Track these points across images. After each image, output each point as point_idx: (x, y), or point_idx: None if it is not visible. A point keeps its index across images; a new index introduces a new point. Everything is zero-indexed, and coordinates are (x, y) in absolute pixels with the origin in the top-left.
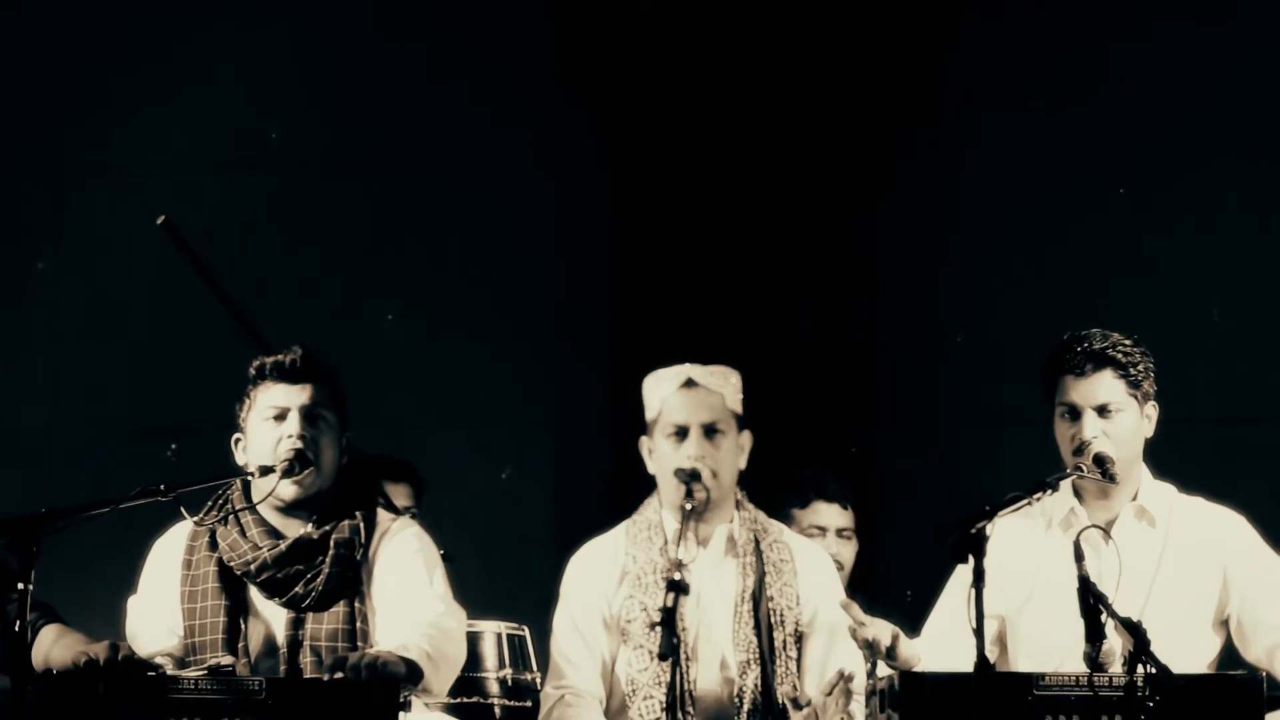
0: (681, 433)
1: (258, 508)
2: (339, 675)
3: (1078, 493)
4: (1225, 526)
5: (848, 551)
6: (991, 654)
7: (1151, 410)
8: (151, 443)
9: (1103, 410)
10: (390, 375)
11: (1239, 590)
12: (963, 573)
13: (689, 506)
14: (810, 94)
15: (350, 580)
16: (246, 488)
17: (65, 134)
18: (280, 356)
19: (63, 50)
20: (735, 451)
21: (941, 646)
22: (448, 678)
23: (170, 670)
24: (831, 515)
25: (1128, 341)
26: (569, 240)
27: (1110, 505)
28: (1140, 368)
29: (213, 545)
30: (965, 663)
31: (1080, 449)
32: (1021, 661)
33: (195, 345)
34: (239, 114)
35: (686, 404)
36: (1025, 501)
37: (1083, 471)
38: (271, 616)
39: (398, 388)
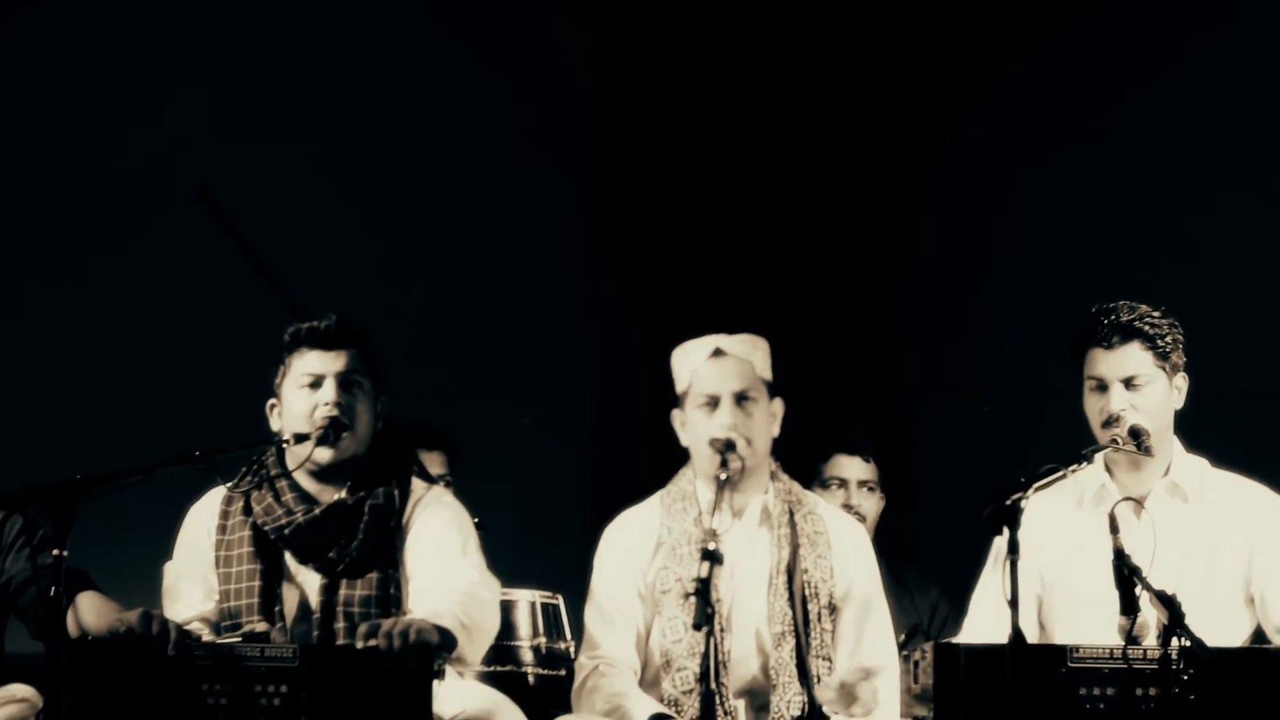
0: (713, 402)
1: (293, 473)
2: (372, 643)
3: (1108, 468)
4: (1257, 502)
5: (870, 504)
6: (1032, 634)
7: (1181, 381)
8: (187, 410)
9: (1130, 382)
10: (425, 345)
11: (1261, 566)
12: (997, 552)
13: (724, 476)
14: (847, 58)
15: (384, 547)
16: (281, 453)
17: (98, 101)
18: (315, 323)
19: (99, 17)
20: (768, 419)
21: (990, 628)
22: (481, 646)
23: (205, 636)
24: (853, 467)
25: (1156, 313)
26: (603, 214)
27: (1142, 480)
28: (1168, 339)
29: (247, 510)
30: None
31: (1109, 422)
32: (1057, 640)
33: (230, 312)
34: (276, 80)
35: (717, 373)
36: (1061, 474)
37: (1118, 444)
38: (306, 581)
39: (432, 357)
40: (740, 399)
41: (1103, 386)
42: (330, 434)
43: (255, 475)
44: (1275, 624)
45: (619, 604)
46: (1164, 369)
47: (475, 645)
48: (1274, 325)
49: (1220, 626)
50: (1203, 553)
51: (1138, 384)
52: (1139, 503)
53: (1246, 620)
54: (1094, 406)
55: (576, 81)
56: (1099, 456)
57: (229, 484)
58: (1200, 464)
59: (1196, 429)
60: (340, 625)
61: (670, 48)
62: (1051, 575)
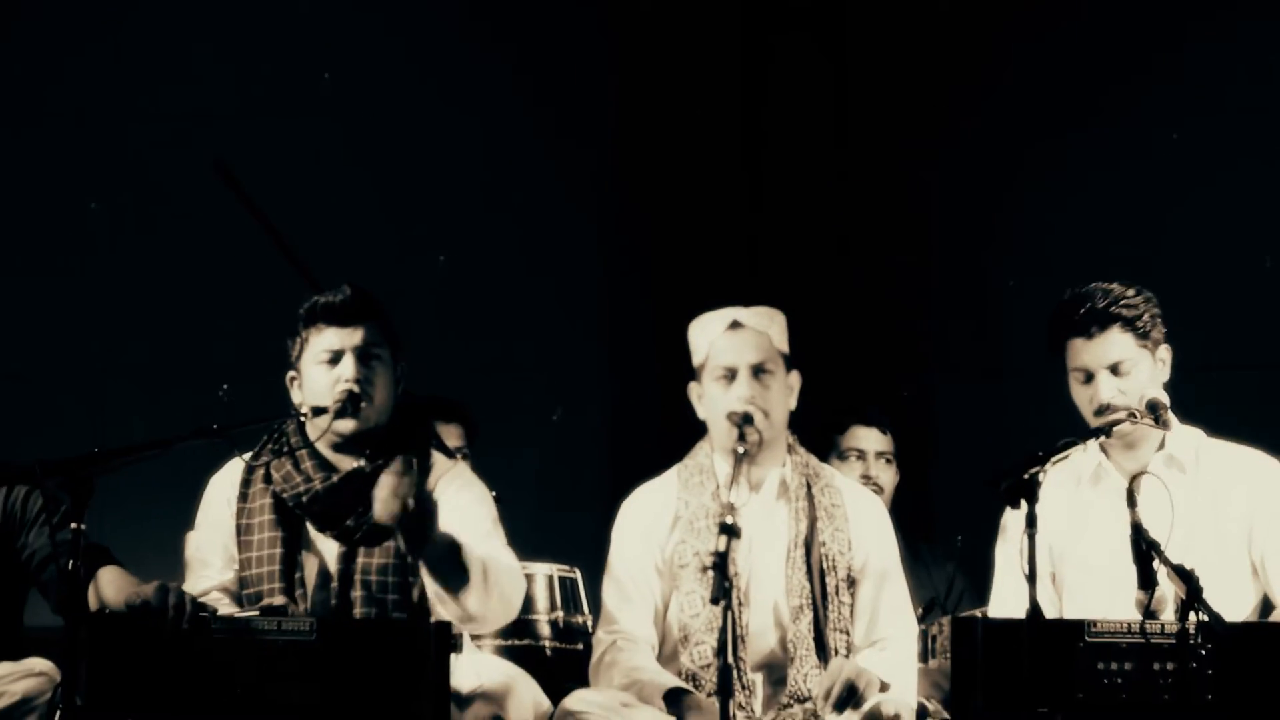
0: (730, 374)
1: (314, 443)
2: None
3: (1103, 448)
4: (1254, 469)
5: (887, 476)
6: (1050, 608)
7: (1165, 354)
8: (205, 383)
9: (1116, 369)
10: (443, 318)
11: (1261, 532)
12: (1010, 531)
13: (741, 449)
14: (863, 36)
15: None
16: (302, 425)
17: (118, 76)
18: (331, 298)
19: None
20: (785, 391)
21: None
22: (496, 608)
23: (226, 605)
24: (871, 439)
25: (1130, 292)
26: (620, 187)
27: (1138, 455)
28: (1146, 317)
29: (268, 479)
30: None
31: (1101, 410)
32: (1069, 614)
33: (248, 286)
34: (292, 56)
35: (734, 345)
36: (1080, 447)
37: (1136, 418)
38: (325, 550)
39: (449, 330)
40: (757, 371)
41: (1089, 376)
42: (349, 407)
43: (276, 445)
44: (1277, 589)
45: (636, 579)
46: (1146, 347)
47: (489, 602)
48: None
49: (1226, 596)
50: (1203, 524)
51: (1124, 369)
52: (1162, 481)
53: (1251, 589)
54: (1083, 396)
55: (591, 58)
56: (1092, 440)
57: (245, 455)
58: (1196, 434)
59: (1199, 399)
60: (358, 594)
61: (686, 24)
62: (1060, 551)
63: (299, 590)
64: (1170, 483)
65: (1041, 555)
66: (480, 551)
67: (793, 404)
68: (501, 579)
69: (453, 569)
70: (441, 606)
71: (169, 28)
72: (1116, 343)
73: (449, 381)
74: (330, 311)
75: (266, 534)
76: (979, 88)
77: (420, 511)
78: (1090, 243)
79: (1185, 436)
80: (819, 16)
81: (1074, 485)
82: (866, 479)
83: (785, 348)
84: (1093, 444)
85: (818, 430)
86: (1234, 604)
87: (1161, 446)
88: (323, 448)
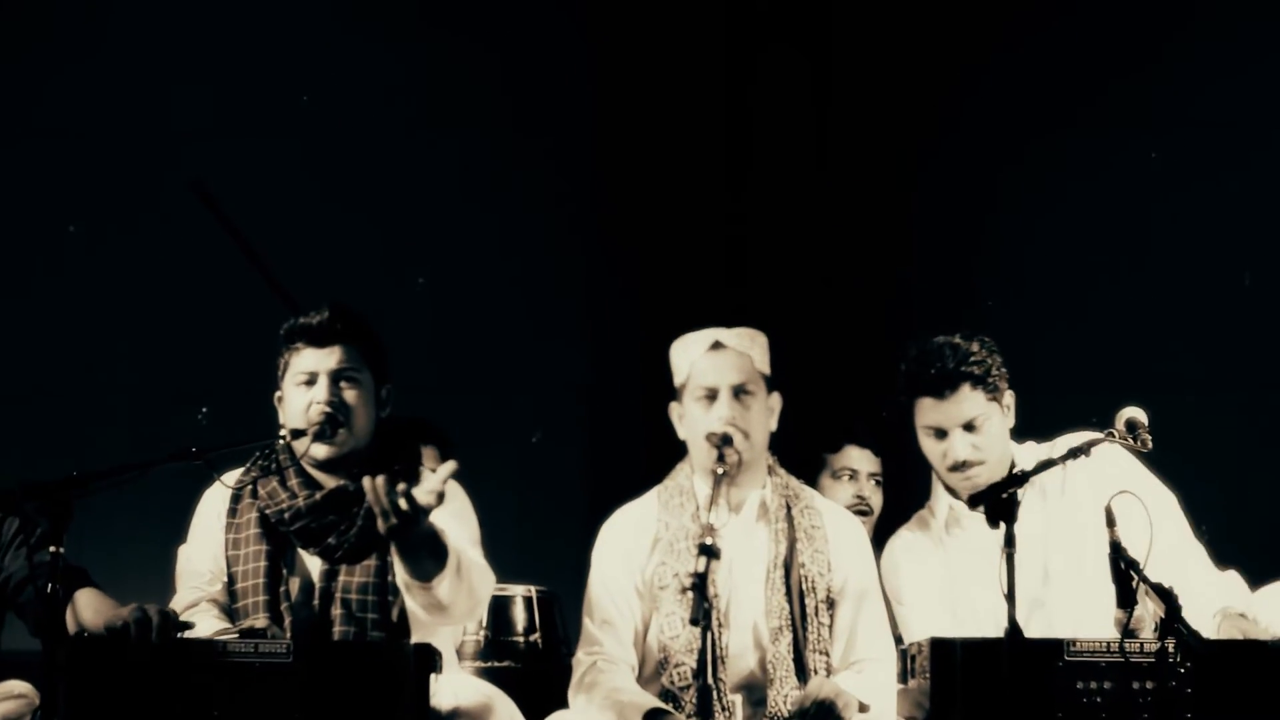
0: (711, 395)
1: (301, 461)
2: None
3: (949, 489)
4: (1103, 466)
5: (878, 498)
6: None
7: (1010, 400)
8: (185, 406)
9: (970, 426)
10: (421, 339)
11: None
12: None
13: (721, 470)
14: (846, 54)
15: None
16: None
17: (97, 96)
18: (309, 319)
19: (95, 12)
20: (765, 413)
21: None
22: (464, 602)
23: (216, 615)
24: (864, 460)
25: (975, 348)
26: (602, 205)
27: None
28: (994, 373)
29: (256, 495)
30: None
31: (956, 467)
32: None
33: (227, 308)
34: (270, 77)
35: (715, 366)
36: (1057, 465)
37: (1114, 436)
38: (312, 567)
39: (429, 351)
40: (738, 392)
41: (942, 433)
42: (325, 430)
43: (266, 462)
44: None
45: (616, 600)
46: (995, 399)
47: (460, 594)
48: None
49: (1095, 606)
50: (1064, 539)
51: (977, 425)
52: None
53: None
54: (935, 452)
55: (572, 71)
56: (935, 486)
57: (221, 477)
58: (1032, 449)
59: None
60: (337, 612)
61: (669, 40)
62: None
63: (284, 604)
64: (1031, 505)
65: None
66: (456, 544)
67: (773, 425)
68: (473, 573)
69: (429, 553)
70: (410, 596)
71: (148, 49)
72: (967, 401)
73: (427, 403)
74: (307, 332)
75: (252, 549)
76: (961, 107)
77: (412, 509)
78: (1070, 262)
79: (1030, 460)
80: (801, 33)
81: (943, 532)
82: (859, 499)
83: (767, 369)
84: (940, 491)
85: (808, 448)
86: (1103, 613)
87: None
88: (309, 467)
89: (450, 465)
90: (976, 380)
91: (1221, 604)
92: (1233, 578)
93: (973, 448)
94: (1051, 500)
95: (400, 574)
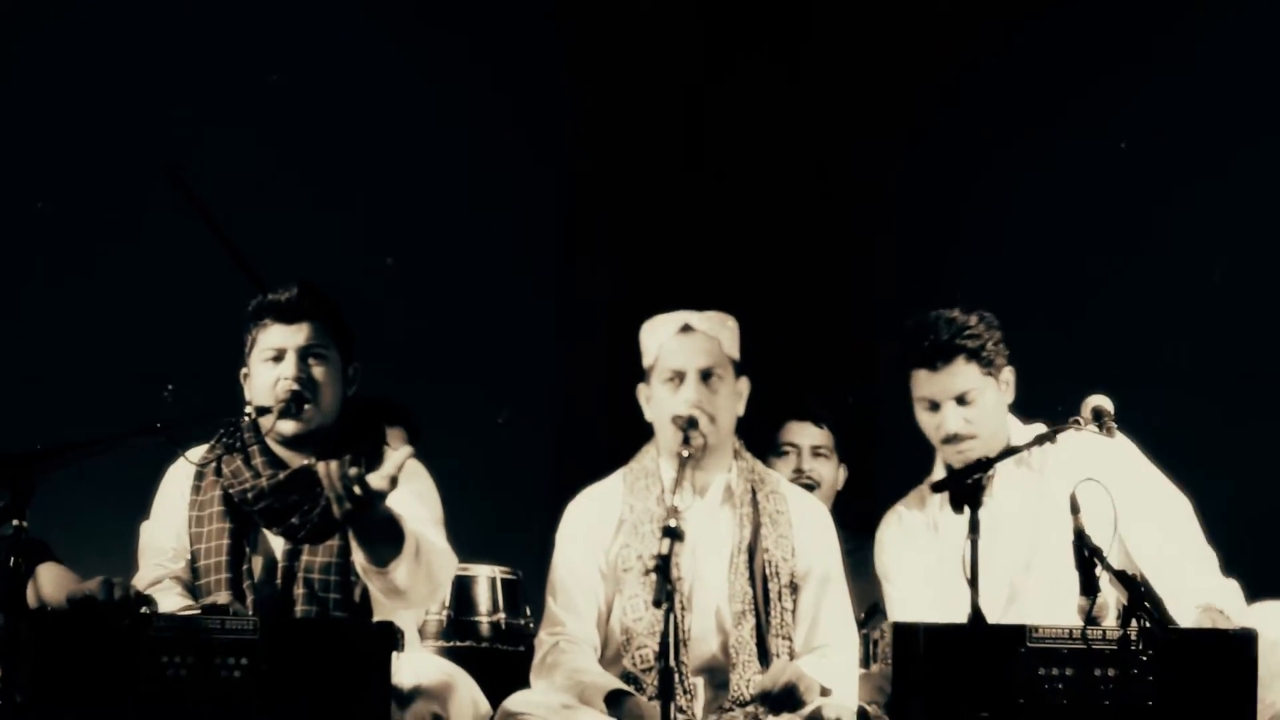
0: (678, 378)
1: (266, 439)
2: (320, 466)
3: (947, 466)
4: (1096, 452)
5: (823, 468)
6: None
7: (1009, 376)
8: (150, 383)
9: (962, 399)
10: (388, 321)
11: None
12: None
13: (686, 453)
14: (818, 40)
15: None
16: (255, 421)
17: (67, 73)
18: (277, 295)
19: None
20: (733, 397)
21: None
22: (423, 587)
23: (178, 593)
24: (805, 433)
25: (973, 321)
26: (569, 188)
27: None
28: (990, 347)
29: (219, 473)
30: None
31: (949, 439)
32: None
33: (194, 286)
34: (239, 57)
35: (683, 349)
36: (1023, 450)
37: (1080, 424)
38: (275, 546)
39: (396, 332)
40: (706, 376)
41: (935, 405)
42: (291, 407)
43: (230, 440)
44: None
45: (580, 581)
46: (991, 374)
47: (417, 576)
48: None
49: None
50: (1054, 518)
51: (969, 399)
52: (1101, 483)
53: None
54: (929, 424)
55: (544, 55)
56: (938, 461)
57: (193, 453)
58: (1039, 430)
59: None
60: (300, 591)
61: (644, 29)
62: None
63: (247, 583)
64: (1021, 482)
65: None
66: (415, 528)
67: (741, 410)
68: (432, 558)
69: (385, 538)
70: (368, 580)
71: (115, 32)
72: (961, 374)
73: (394, 383)
74: (275, 309)
75: (215, 526)
76: (935, 94)
77: (366, 494)
78: (1040, 251)
79: (1026, 437)
80: (778, 16)
81: (938, 509)
82: (799, 473)
83: (735, 354)
84: (937, 466)
85: (758, 431)
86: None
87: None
88: (274, 444)
89: (406, 450)
90: (971, 354)
91: (1206, 600)
92: (1230, 586)
93: (965, 421)
94: (1052, 489)
95: (357, 559)
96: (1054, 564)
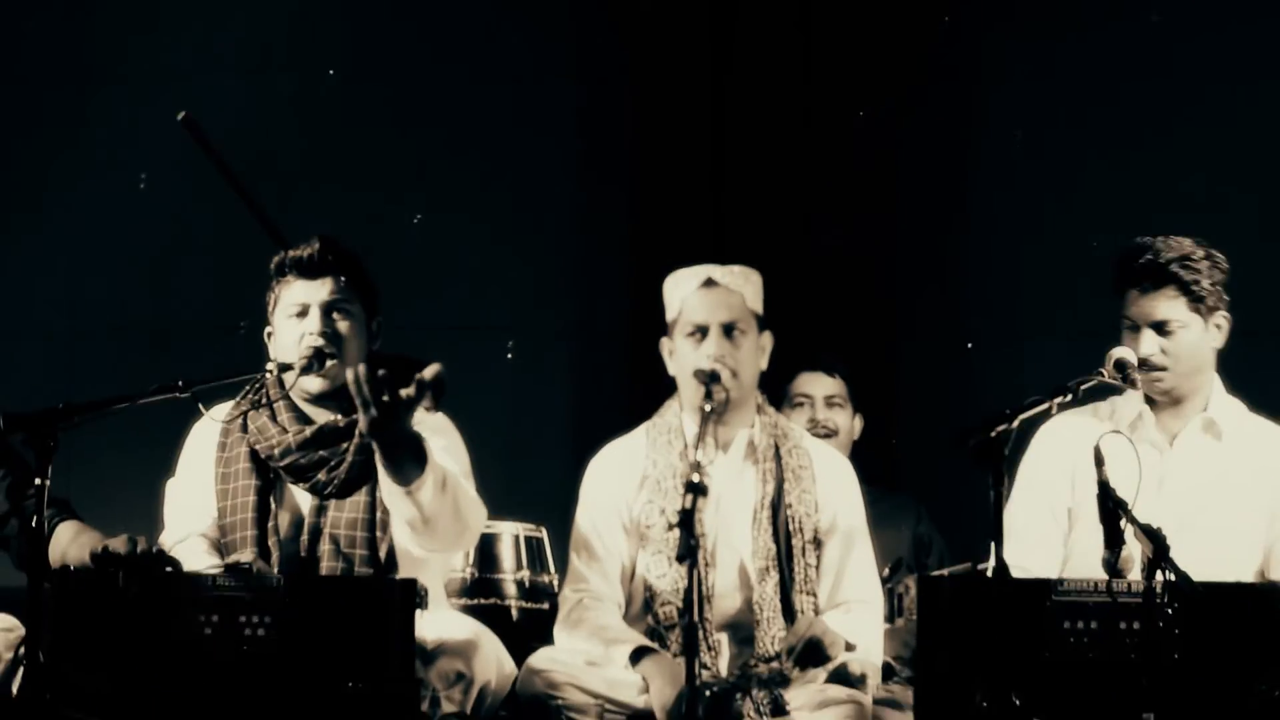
0: (701, 332)
1: (291, 395)
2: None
3: (1149, 399)
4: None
5: (838, 417)
6: (1056, 562)
7: (1221, 320)
8: (173, 343)
9: (1162, 327)
10: (412, 277)
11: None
12: (1027, 473)
13: (708, 408)
14: (830, 5)
15: (373, 469)
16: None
17: (83, 35)
18: (299, 251)
19: None
20: (755, 352)
21: (1034, 553)
22: (450, 524)
23: (206, 550)
24: (817, 384)
25: (1197, 253)
26: (589, 145)
27: (1180, 413)
28: (1205, 283)
29: (246, 429)
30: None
31: (1141, 364)
32: (1074, 561)
33: (216, 244)
34: (261, 14)
35: (706, 303)
36: (1045, 406)
37: (1103, 376)
38: (302, 502)
39: (419, 289)
40: (728, 330)
41: (1135, 327)
42: (314, 363)
43: (256, 396)
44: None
45: (604, 537)
46: (1199, 311)
47: (443, 513)
48: None
49: (1231, 566)
50: (1228, 492)
51: (1170, 329)
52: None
53: (1252, 570)
54: (1130, 344)
55: (562, 24)
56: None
57: (217, 411)
58: (1238, 406)
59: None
60: (326, 548)
61: None
62: (1081, 496)
63: (273, 539)
64: (1204, 446)
65: (1059, 501)
66: (442, 461)
67: (763, 365)
68: (458, 493)
69: (410, 455)
70: (393, 508)
71: None
72: (1167, 303)
73: (415, 339)
74: (298, 264)
75: (242, 482)
76: (944, 51)
77: (394, 400)
78: (1051, 205)
79: (1228, 405)
80: None
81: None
82: (814, 423)
83: (759, 308)
84: (1138, 394)
85: (772, 385)
86: (1237, 574)
87: (1205, 410)
88: (299, 400)
89: (435, 366)
90: (1181, 284)
91: None
92: None
93: (1160, 351)
94: (1226, 445)
95: (384, 484)
96: (1220, 526)
